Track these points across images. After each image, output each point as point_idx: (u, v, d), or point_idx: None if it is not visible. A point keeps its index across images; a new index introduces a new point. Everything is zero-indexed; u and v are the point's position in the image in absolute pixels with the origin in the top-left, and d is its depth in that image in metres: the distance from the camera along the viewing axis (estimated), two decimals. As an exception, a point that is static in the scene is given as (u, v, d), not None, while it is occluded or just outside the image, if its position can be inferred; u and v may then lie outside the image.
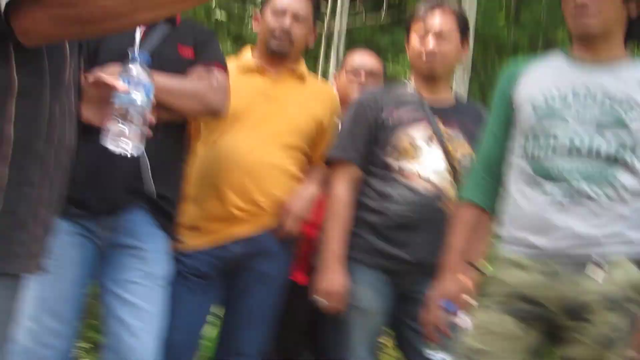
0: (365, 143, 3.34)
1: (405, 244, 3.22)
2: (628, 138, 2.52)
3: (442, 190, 3.21)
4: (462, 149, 3.28)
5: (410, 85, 3.48)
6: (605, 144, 2.52)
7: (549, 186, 2.55)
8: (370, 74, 4.02)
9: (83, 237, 2.75)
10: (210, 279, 3.28)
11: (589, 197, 2.49)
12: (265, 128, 3.32)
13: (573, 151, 2.55)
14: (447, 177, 3.24)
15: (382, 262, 3.24)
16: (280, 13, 3.40)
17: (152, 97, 2.07)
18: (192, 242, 3.20)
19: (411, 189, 3.23)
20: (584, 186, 2.50)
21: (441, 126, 3.33)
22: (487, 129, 2.88)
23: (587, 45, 2.67)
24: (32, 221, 1.51)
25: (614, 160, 2.52)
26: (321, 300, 3.18)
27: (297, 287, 3.44)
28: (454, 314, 2.79)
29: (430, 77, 3.40)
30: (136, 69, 2.12)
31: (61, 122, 1.56)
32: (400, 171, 3.26)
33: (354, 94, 3.85)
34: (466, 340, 2.61)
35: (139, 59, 2.12)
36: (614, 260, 2.45)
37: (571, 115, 2.58)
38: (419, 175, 3.25)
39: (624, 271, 2.43)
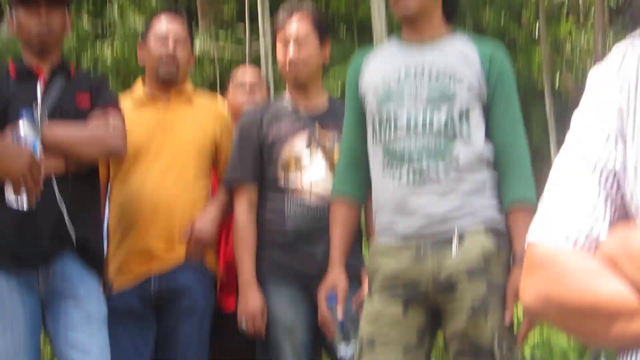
0: (255, 162, 3.45)
1: (306, 255, 3.35)
2: (456, 108, 2.68)
3: (327, 198, 3.22)
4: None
5: (287, 97, 3.58)
6: (436, 117, 2.67)
7: (398, 168, 2.69)
8: (252, 85, 4.15)
9: (25, 291, 2.97)
10: (142, 317, 3.44)
11: (433, 175, 2.65)
12: (166, 158, 3.49)
13: (411, 129, 2.68)
14: (330, 181, 3.26)
15: (290, 276, 3.36)
16: (163, 39, 3.59)
17: (38, 150, 2.49)
18: (119, 280, 3.41)
19: (300, 204, 3.35)
20: (427, 164, 2.65)
21: (319, 131, 3.44)
22: (345, 123, 3.03)
23: (411, 26, 2.85)
24: None
25: (448, 134, 2.67)
26: (244, 324, 3.32)
27: (227, 316, 3.55)
28: (332, 304, 2.98)
29: (299, 85, 3.50)
30: (23, 126, 2.52)
31: None
32: (288, 185, 3.38)
33: (242, 106, 3.95)
34: (361, 329, 2.75)
35: (24, 116, 2.51)
36: (467, 232, 2.62)
37: (406, 95, 2.73)
38: (305, 188, 3.36)
39: (476, 241, 2.60)
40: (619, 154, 1.15)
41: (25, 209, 2.53)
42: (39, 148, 2.71)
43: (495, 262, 2.63)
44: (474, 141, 2.70)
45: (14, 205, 2.50)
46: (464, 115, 2.70)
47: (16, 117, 2.80)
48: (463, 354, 2.64)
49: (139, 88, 3.75)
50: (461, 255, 2.62)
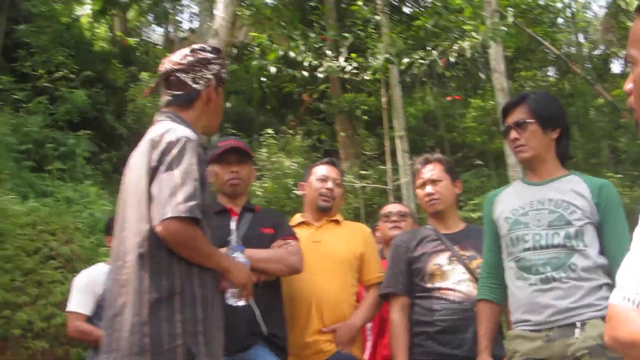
0: (405, 276, 4.27)
1: (453, 342, 4.04)
2: (572, 230, 3.41)
3: (470, 297, 4.03)
4: (476, 262, 4.12)
5: (429, 225, 4.45)
6: (557, 238, 3.41)
7: (529, 277, 3.45)
8: (400, 215, 5.20)
9: None
10: None
11: (558, 280, 3.37)
12: (319, 268, 4.29)
13: (537, 247, 3.45)
14: (471, 285, 4.07)
15: None
16: (323, 180, 4.62)
17: (244, 259, 3.43)
18: None
19: (448, 301, 4.10)
20: (552, 273, 3.39)
21: (457, 249, 4.23)
22: (485, 245, 3.83)
23: (531, 170, 3.68)
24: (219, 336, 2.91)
25: (567, 248, 3.39)
26: None
27: None
28: None
29: (438, 216, 4.40)
30: (238, 256, 3.40)
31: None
32: (436, 289, 4.15)
33: (391, 232, 4.99)
34: None
35: (238, 249, 3.38)
36: (587, 321, 3.25)
37: (531, 222, 3.51)
38: (451, 289, 4.12)
39: (595, 327, 3.17)
40: None
41: (243, 305, 3.34)
42: (244, 258, 3.55)
43: None
44: (589, 254, 3.38)
45: (235, 304, 3.32)
46: (579, 235, 3.41)
47: (220, 244, 3.55)
48: None
49: (297, 217, 4.74)
50: (582, 337, 3.24)
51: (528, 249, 3.50)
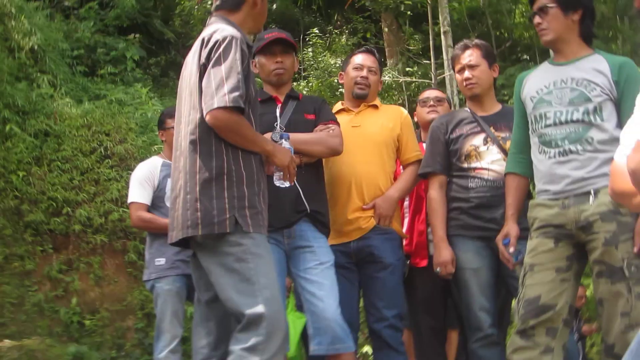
0: (443, 156, 4.55)
1: (486, 216, 4.35)
2: (591, 106, 3.64)
3: (502, 175, 4.26)
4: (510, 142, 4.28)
5: (467, 108, 4.68)
6: (577, 113, 3.65)
7: (549, 151, 3.71)
8: (437, 100, 5.36)
9: (274, 245, 3.92)
10: (347, 268, 4.46)
11: (575, 152, 3.63)
12: (358, 149, 4.54)
13: (557, 123, 3.70)
14: (504, 164, 4.25)
15: (475, 233, 4.39)
16: (359, 68, 4.81)
17: (289, 144, 3.68)
18: (330, 241, 4.35)
19: (483, 179, 4.40)
20: (570, 146, 3.64)
21: (493, 130, 4.48)
22: (514, 123, 4.07)
23: (556, 51, 3.88)
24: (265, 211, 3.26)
25: (586, 123, 3.63)
26: (439, 271, 4.41)
27: (420, 270, 4.85)
28: (506, 244, 3.99)
29: (475, 99, 4.62)
30: (283, 142, 3.62)
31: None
32: (471, 169, 4.43)
33: (428, 116, 5.20)
34: (525, 260, 3.77)
35: (283, 136, 3.72)
36: (601, 190, 3.49)
37: (553, 100, 3.75)
38: (486, 169, 4.40)
39: (607, 195, 3.19)
40: None
41: (288, 186, 3.66)
42: (288, 144, 3.80)
43: (624, 210, 3.39)
44: (606, 128, 3.59)
45: (281, 185, 3.64)
46: (598, 110, 3.63)
47: (266, 128, 3.91)
48: (602, 275, 3.52)
49: (338, 105, 4.98)
50: (596, 203, 3.53)
51: (549, 125, 3.75)
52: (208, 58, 3.28)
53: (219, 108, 3.16)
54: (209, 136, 3.27)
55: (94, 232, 8.11)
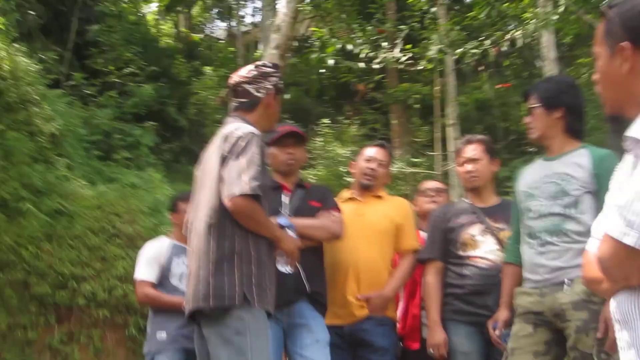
0: (441, 244, 4.75)
1: (478, 303, 4.53)
2: (569, 199, 3.82)
3: (497, 264, 4.48)
4: (506, 234, 4.49)
5: (466, 199, 4.92)
6: (556, 207, 3.85)
7: (531, 242, 3.93)
8: (436, 191, 5.58)
9: (274, 322, 4.02)
10: (341, 348, 4.62)
11: (552, 244, 3.82)
12: (360, 237, 4.76)
13: (539, 216, 3.90)
14: (499, 255, 4.50)
15: (467, 319, 4.57)
16: (369, 160, 5.07)
17: (294, 234, 3.96)
18: (326, 321, 4.50)
19: (477, 267, 4.59)
20: (548, 238, 3.84)
21: (490, 222, 4.67)
22: (512, 215, 4.26)
23: (545, 147, 4.08)
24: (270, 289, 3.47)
25: (564, 216, 3.81)
26: (432, 352, 4.58)
27: (412, 352, 5.01)
28: (495, 328, 4.21)
29: (474, 190, 4.85)
30: (289, 232, 3.97)
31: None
32: (467, 257, 4.62)
33: (427, 206, 5.40)
34: (508, 344, 3.96)
35: (287, 224, 4.01)
36: (574, 279, 3.65)
37: (538, 194, 3.95)
38: (481, 257, 4.59)
39: (581, 285, 3.55)
40: None
41: (290, 272, 3.96)
42: (294, 233, 4.06)
43: (596, 298, 3.54)
44: (583, 220, 3.73)
45: (284, 270, 3.92)
46: (575, 204, 3.81)
47: (272, 214, 4.09)
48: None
49: (345, 193, 5.23)
50: (569, 292, 3.69)
51: (533, 218, 3.95)
52: (230, 151, 3.60)
53: (239, 195, 3.46)
54: (224, 220, 3.56)
55: (97, 307, 8.27)
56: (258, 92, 3.93)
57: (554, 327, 3.78)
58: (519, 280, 4.20)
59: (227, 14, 26.73)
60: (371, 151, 5.12)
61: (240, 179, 3.49)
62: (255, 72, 3.97)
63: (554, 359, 3.81)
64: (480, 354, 4.52)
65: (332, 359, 4.37)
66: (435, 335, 4.58)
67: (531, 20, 9.50)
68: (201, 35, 24.44)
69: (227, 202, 3.52)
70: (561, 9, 10.01)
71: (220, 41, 26.10)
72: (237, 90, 3.97)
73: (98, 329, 8.22)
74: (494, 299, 4.38)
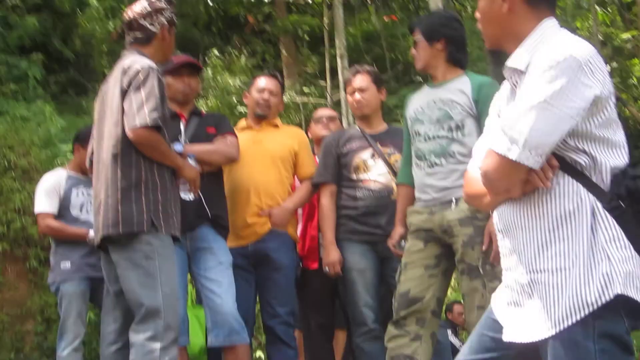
0: (334, 168, 5.04)
1: (371, 223, 4.86)
2: (453, 123, 4.14)
3: (387, 186, 4.84)
4: (395, 158, 4.87)
5: (356, 126, 5.23)
6: (441, 130, 4.16)
7: (420, 164, 4.23)
8: (329, 119, 5.87)
9: (178, 247, 4.16)
10: (245, 269, 4.90)
11: (439, 165, 4.13)
12: (258, 162, 5.02)
13: (427, 139, 4.21)
14: (390, 177, 4.85)
15: (361, 238, 4.89)
16: (261, 90, 5.27)
17: (195, 162, 4.18)
18: (229, 244, 4.79)
19: (369, 190, 4.90)
20: (435, 159, 4.15)
21: (380, 147, 4.98)
22: (404, 138, 4.52)
23: (431, 76, 4.39)
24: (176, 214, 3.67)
25: (449, 139, 4.13)
26: (327, 270, 4.91)
27: (311, 271, 5.32)
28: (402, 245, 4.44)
29: (363, 118, 5.15)
30: (190, 160, 4.20)
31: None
32: (359, 180, 4.92)
33: (321, 133, 5.69)
34: (402, 259, 4.28)
35: (190, 156, 4.24)
36: (460, 198, 3.95)
37: (425, 118, 4.26)
38: (372, 180, 4.90)
39: (465, 203, 3.91)
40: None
41: (192, 199, 4.18)
42: (194, 162, 4.27)
43: (480, 215, 3.91)
44: (466, 142, 4.04)
45: (187, 198, 4.14)
46: (459, 127, 4.14)
47: (172, 141, 4.25)
48: (463, 273, 4.05)
49: (242, 122, 5.41)
50: (456, 210, 4.03)
51: (421, 141, 4.25)
52: (129, 84, 3.76)
53: (140, 127, 3.64)
54: (129, 150, 3.74)
55: None
56: (152, 26, 4.05)
57: (443, 242, 4.12)
58: (412, 200, 4.49)
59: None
60: (262, 81, 5.29)
61: (141, 111, 3.67)
62: (149, 8, 4.08)
63: (443, 272, 4.16)
64: (373, 270, 4.86)
65: (236, 280, 4.62)
66: (331, 254, 4.87)
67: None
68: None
69: (129, 133, 3.69)
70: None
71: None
72: (132, 25, 4.08)
73: (-2, 263, 8.20)
74: (386, 219, 4.71)
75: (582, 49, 2.19)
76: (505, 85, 2.50)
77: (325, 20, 11.77)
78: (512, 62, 2.37)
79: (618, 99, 15.84)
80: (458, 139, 4.11)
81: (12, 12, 13.81)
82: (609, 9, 19.90)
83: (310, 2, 9.94)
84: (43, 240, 8.11)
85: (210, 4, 16.14)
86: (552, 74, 2.15)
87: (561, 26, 2.37)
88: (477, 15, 2.55)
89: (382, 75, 12.60)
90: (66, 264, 5.58)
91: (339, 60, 11.16)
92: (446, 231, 4.07)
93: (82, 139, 5.79)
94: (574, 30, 18.97)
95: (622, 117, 16.73)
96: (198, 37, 16.77)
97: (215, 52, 15.70)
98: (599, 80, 2.18)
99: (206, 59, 15.54)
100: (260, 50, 15.81)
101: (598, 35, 15.97)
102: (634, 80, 15.89)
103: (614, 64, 18.51)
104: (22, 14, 13.79)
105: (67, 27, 15.63)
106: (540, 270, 2.24)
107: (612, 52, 19.47)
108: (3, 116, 10.24)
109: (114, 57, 15.36)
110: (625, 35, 18.36)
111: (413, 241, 4.22)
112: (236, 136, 4.83)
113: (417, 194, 4.29)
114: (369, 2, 17.34)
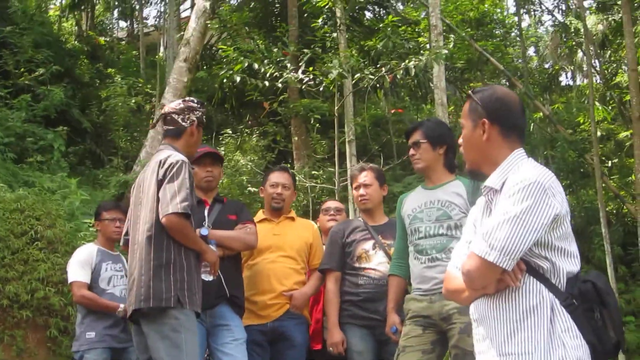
0: (339, 256, 5.55)
1: (371, 308, 5.31)
2: (452, 222, 4.58)
3: (386, 274, 5.23)
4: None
5: (360, 218, 5.73)
6: (441, 229, 4.60)
7: (421, 257, 4.66)
8: (336, 210, 6.47)
9: (199, 323, 4.61)
10: (261, 345, 5.38)
11: (440, 259, 4.52)
12: (277, 252, 5.61)
13: (427, 236, 4.65)
14: (388, 266, 5.24)
15: (362, 323, 5.34)
16: (275, 186, 5.83)
17: (215, 247, 4.69)
18: (246, 322, 5.29)
19: (370, 278, 5.39)
20: (436, 254, 4.57)
21: (380, 238, 5.49)
22: (397, 234, 5.03)
23: (427, 177, 4.87)
24: (198, 293, 4.20)
25: (448, 236, 4.55)
26: (331, 350, 5.36)
27: (316, 351, 5.81)
28: (394, 331, 4.89)
29: (367, 212, 5.66)
30: (211, 246, 4.72)
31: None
32: (361, 268, 5.43)
33: (328, 224, 6.24)
34: (399, 342, 4.65)
35: (211, 242, 4.77)
36: None
37: (424, 217, 4.70)
38: (373, 269, 5.40)
39: None
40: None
41: (212, 279, 4.68)
42: (215, 247, 4.82)
43: None
44: None
45: (207, 279, 4.62)
46: (457, 227, 4.54)
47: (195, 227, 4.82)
48: (457, 358, 4.38)
49: (260, 214, 5.96)
50: None
51: (421, 237, 4.70)
52: (164, 176, 4.31)
53: (172, 213, 4.18)
54: (162, 234, 4.28)
55: (20, 308, 8.52)
56: (184, 121, 4.64)
57: (439, 329, 4.49)
58: (404, 290, 4.97)
59: (129, 14, 26.69)
60: (274, 176, 5.87)
61: (174, 200, 4.20)
62: (182, 105, 4.68)
63: (437, 357, 4.57)
64: (372, 352, 5.31)
65: (251, 355, 5.12)
66: (334, 335, 5.34)
67: (425, 53, 10.31)
68: (107, 39, 24.35)
69: (163, 219, 4.23)
70: (450, 45, 10.91)
71: (122, 42, 26.00)
72: (167, 118, 4.67)
73: (20, 330, 8.48)
74: (384, 305, 5.15)
75: (545, 176, 2.74)
76: (481, 199, 3.05)
77: (336, 107, 12.21)
78: (489, 182, 2.91)
79: (617, 196, 16.37)
80: (457, 236, 4.43)
81: (37, 82, 14.28)
82: (610, 107, 20.57)
83: (321, 89, 10.36)
84: (64, 310, 8.45)
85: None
86: (522, 195, 2.69)
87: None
88: (460, 141, 3.09)
89: (389, 161, 13.01)
90: (91, 334, 5.97)
91: (347, 146, 11.56)
92: (445, 318, 4.44)
93: (99, 216, 6.37)
94: (575, 125, 19.70)
95: (620, 213, 17.40)
96: (212, 113, 17.13)
97: (229, 131, 16.12)
98: (558, 202, 2.73)
99: (220, 137, 15.92)
100: (272, 131, 16.21)
101: (597, 131, 16.50)
102: (632, 178, 16.37)
103: (615, 160, 19.13)
104: (44, 83, 14.26)
105: (86, 96, 16.06)
106: (509, 354, 2.74)
107: (614, 147, 20.10)
108: (31, 187, 10.66)
109: (130, 130, 15.93)
110: (624, 134, 18.97)
111: (412, 326, 4.62)
112: (255, 225, 5.35)
113: (416, 284, 4.71)
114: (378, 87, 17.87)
